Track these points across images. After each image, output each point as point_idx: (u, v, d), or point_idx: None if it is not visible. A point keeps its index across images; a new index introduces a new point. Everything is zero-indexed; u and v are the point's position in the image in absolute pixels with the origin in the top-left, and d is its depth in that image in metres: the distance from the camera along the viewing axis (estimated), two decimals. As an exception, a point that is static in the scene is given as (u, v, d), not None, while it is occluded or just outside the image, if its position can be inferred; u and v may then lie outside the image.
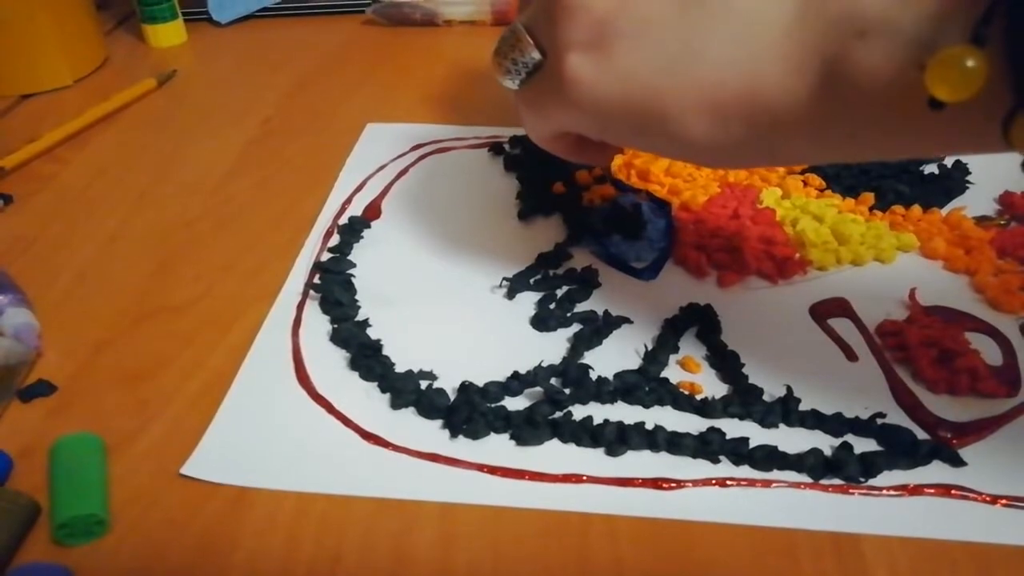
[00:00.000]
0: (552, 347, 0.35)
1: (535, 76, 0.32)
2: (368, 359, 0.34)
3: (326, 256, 0.41)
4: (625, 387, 0.33)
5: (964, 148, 0.27)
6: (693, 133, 0.28)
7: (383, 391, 0.33)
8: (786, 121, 0.26)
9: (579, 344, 0.35)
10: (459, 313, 0.37)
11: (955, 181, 0.44)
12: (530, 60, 0.32)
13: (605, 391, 0.33)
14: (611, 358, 0.35)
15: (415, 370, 0.34)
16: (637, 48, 0.28)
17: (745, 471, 0.30)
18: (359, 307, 0.38)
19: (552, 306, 0.37)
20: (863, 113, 0.25)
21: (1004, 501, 0.29)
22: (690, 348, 0.35)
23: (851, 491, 0.29)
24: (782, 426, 0.32)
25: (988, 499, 0.29)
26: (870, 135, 0.26)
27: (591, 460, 0.30)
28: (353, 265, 0.40)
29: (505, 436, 0.31)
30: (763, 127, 0.27)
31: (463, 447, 0.31)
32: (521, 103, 0.34)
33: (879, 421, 0.31)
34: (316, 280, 0.39)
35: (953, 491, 0.29)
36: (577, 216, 0.42)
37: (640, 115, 0.29)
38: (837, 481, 0.29)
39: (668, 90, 0.28)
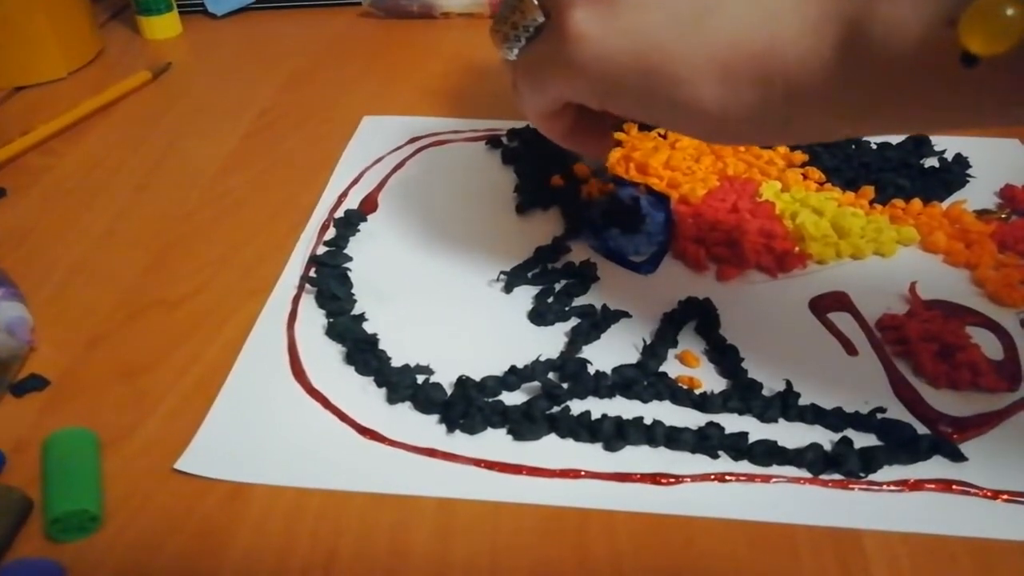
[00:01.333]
0: (550, 341, 0.35)
1: (536, 40, 0.31)
2: (364, 353, 0.34)
3: (322, 250, 0.40)
4: (623, 382, 0.32)
5: (986, 116, 0.25)
6: (702, 98, 0.27)
7: (379, 385, 0.33)
8: (802, 87, 0.25)
9: (577, 338, 0.35)
10: (456, 307, 0.37)
11: (955, 175, 0.44)
12: (532, 23, 0.30)
13: (603, 386, 0.32)
14: (609, 352, 0.34)
15: (412, 364, 0.34)
16: (647, 4, 0.27)
17: (744, 466, 0.30)
18: (355, 301, 0.37)
19: (550, 300, 0.37)
20: (885, 77, 0.24)
21: (1005, 496, 0.29)
22: (689, 342, 0.35)
23: (851, 486, 0.29)
24: (781, 421, 0.31)
25: (989, 494, 0.29)
26: (891, 102, 0.25)
27: (589, 455, 0.30)
28: (349, 259, 0.40)
29: (502, 431, 0.31)
30: (777, 93, 0.26)
31: (460, 442, 0.31)
32: (519, 72, 0.32)
33: (879, 416, 0.31)
34: (312, 274, 0.39)
35: (954, 486, 0.29)
36: (575, 209, 0.42)
37: (647, 76, 0.27)
38: (837, 476, 0.29)
39: (678, 50, 0.26)
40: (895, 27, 0.23)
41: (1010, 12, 0.20)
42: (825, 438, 0.31)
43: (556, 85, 0.31)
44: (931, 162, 0.46)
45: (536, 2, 0.30)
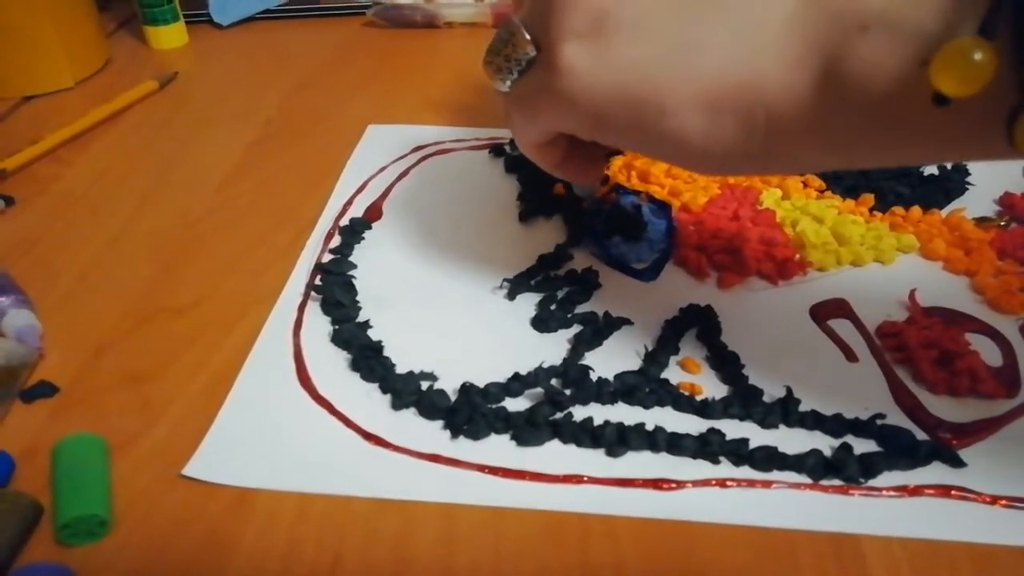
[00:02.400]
0: (553, 348, 0.35)
1: (528, 73, 0.31)
2: (369, 360, 0.34)
3: (327, 257, 0.41)
4: (625, 388, 0.33)
5: (964, 152, 0.26)
6: (687, 129, 0.28)
7: (384, 392, 0.33)
8: (784, 120, 0.26)
9: (579, 345, 0.35)
10: (460, 314, 0.37)
11: (955, 182, 0.44)
12: (524, 57, 0.31)
13: (605, 392, 0.33)
14: (611, 359, 0.35)
15: (416, 371, 0.34)
16: (636, 39, 0.28)
17: (745, 472, 0.30)
18: (360, 308, 0.38)
19: (553, 307, 0.37)
20: (863, 112, 0.25)
21: (1004, 502, 0.29)
22: (690, 349, 0.35)
23: (851, 492, 0.29)
24: (782, 427, 0.32)
25: (988, 500, 0.29)
26: (869, 137, 0.26)
27: (591, 461, 0.31)
28: (354, 266, 0.40)
29: (506, 437, 0.31)
30: (759, 126, 0.27)
31: (464, 448, 0.31)
32: (511, 104, 0.33)
33: (879, 422, 0.31)
34: (317, 281, 0.39)
35: (953, 492, 0.29)
36: (578, 217, 0.42)
37: (635, 108, 0.28)
38: (837, 482, 0.30)
39: (665, 82, 0.27)
40: (872, 66, 0.24)
41: (978, 57, 0.21)
42: (825, 444, 0.31)
43: (547, 117, 0.31)
44: (930, 170, 0.46)
45: (528, 37, 0.30)
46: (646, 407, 0.32)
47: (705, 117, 0.27)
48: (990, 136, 0.23)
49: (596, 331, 0.36)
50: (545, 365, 0.34)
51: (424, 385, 0.33)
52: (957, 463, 0.30)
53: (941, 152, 0.26)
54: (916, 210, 0.42)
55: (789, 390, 0.32)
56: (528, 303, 0.38)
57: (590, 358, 0.35)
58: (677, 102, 0.27)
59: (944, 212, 0.43)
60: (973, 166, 0.45)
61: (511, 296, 0.38)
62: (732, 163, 0.29)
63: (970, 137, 0.24)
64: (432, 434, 0.32)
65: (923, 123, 0.24)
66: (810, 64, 0.25)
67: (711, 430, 0.31)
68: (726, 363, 0.34)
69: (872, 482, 0.29)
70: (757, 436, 0.31)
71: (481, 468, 0.30)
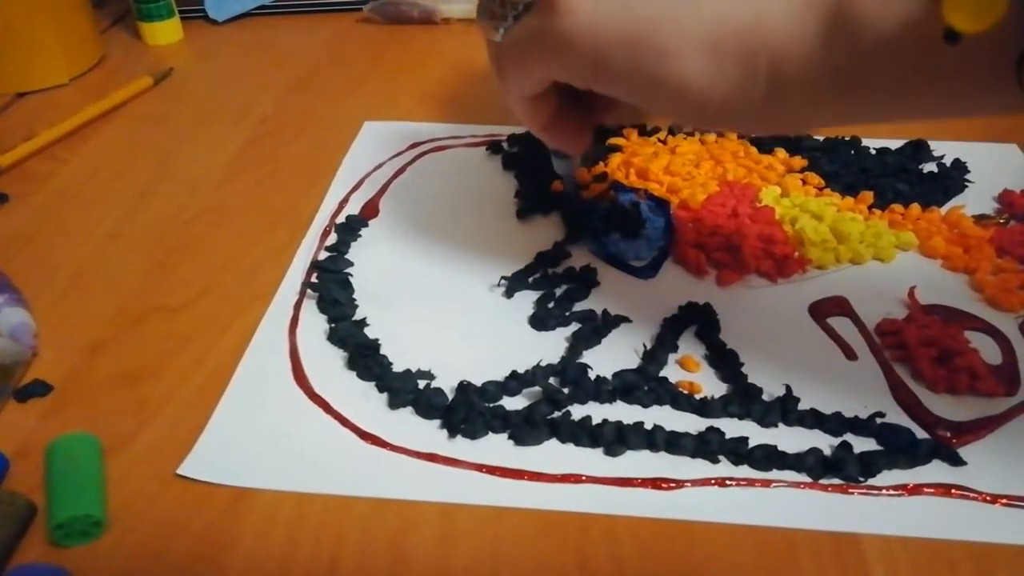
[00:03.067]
0: (551, 346, 0.35)
1: (524, 17, 0.31)
2: (366, 358, 0.34)
3: (323, 255, 0.41)
4: (624, 386, 0.33)
5: (970, 101, 0.25)
6: (688, 73, 0.27)
7: (381, 391, 0.33)
8: (785, 64, 0.26)
9: (578, 343, 0.35)
10: (457, 312, 0.37)
11: (954, 180, 0.44)
12: (522, 0, 0.30)
13: (604, 391, 0.32)
14: (610, 357, 0.34)
15: (413, 369, 0.34)
16: None
17: (744, 471, 0.30)
18: (356, 306, 0.38)
19: (551, 305, 0.37)
20: (869, 56, 0.24)
21: (1004, 500, 0.29)
22: (689, 347, 0.35)
23: (851, 490, 0.29)
24: (781, 425, 0.32)
25: (988, 498, 0.29)
26: (872, 84, 0.25)
27: (590, 460, 0.30)
28: (350, 264, 0.40)
29: (504, 436, 0.31)
30: (761, 71, 0.26)
31: (461, 447, 0.31)
32: (506, 51, 0.32)
33: (878, 420, 0.31)
34: (313, 279, 0.39)
35: (953, 490, 0.29)
36: (576, 215, 0.42)
37: (635, 49, 0.28)
38: (836, 480, 0.29)
39: (667, 23, 0.27)
40: (883, 5, 0.23)
41: None
42: (825, 443, 0.31)
43: (543, 61, 0.31)
44: (930, 167, 0.46)
45: None
46: (645, 406, 0.32)
47: (706, 61, 0.27)
48: (999, 80, 0.22)
49: (594, 329, 0.36)
50: (543, 363, 0.34)
51: (421, 384, 0.33)
52: (956, 461, 0.30)
53: (950, 101, 0.26)
54: (915, 207, 0.42)
55: (788, 388, 0.32)
56: (526, 301, 0.38)
57: (588, 356, 0.35)
58: (678, 44, 0.27)
59: (943, 209, 0.43)
60: (972, 164, 0.45)
61: (509, 294, 0.38)
62: (729, 113, 0.28)
63: (979, 82, 0.23)
64: (429, 433, 0.32)
65: (933, 66, 0.23)
66: (817, 6, 0.25)
67: (710, 429, 0.31)
68: (725, 361, 0.34)
69: (872, 481, 0.29)
70: (756, 435, 0.31)
71: (479, 467, 0.30)
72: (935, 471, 0.30)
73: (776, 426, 0.32)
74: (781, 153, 0.46)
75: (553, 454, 0.31)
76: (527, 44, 0.31)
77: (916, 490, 0.29)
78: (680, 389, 0.33)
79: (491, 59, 0.34)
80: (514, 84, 0.33)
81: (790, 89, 0.26)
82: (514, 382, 0.33)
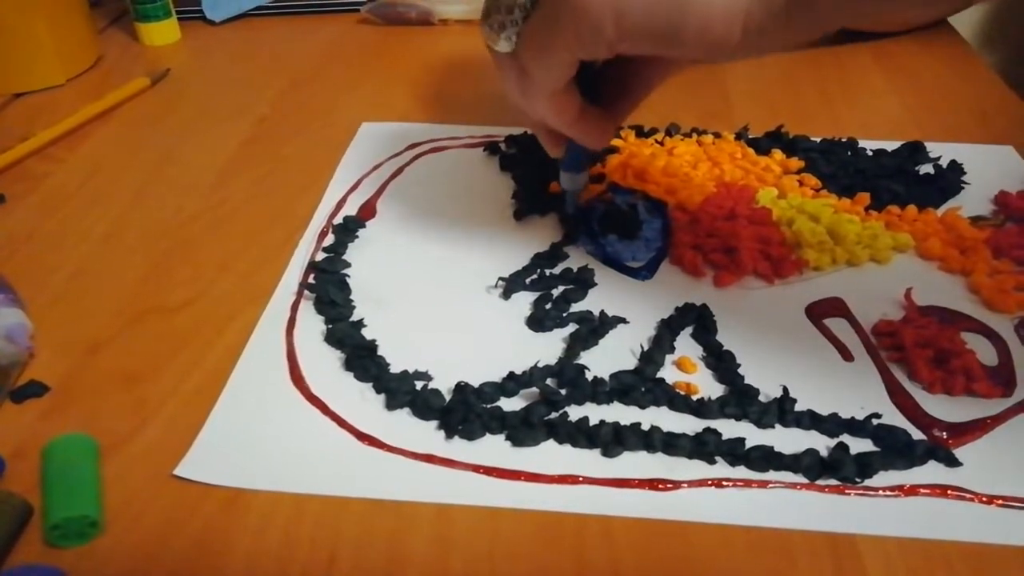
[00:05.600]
0: (548, 347, 0.35)
1: (532, 13, 0.31)
2: (363, 359, 0.34)
3: (321, 256, 0.41)
4: (621, 387, 0.33)
5: None
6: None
7: (378, 392, 0.33)
8: None
9: (575, 344, 0.35)
10: (455, 313, 0.37)
11: (950, 181, 0.44)
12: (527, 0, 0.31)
13: (601, 392, 0.32)
14: (607, 358, 0.34)
15: (410, 371, 0.34)
16: None
17: (741, 472, 0.30)
18: (354, 307, 0.37)
19: (548, 306, 0.37)
20: None
21: (1000, 501, 0.29)
22: (686, 348, 0.35)
23: (847, 491, 0.29)
24: (778, 426, 0.32)
25: (984, 499, 0.29)
26: None
27: (587, 461, 0.30)
28: (348, 265, 0.40)
29: (501, 437, 0.31)
30: None
31: (459, 448, 0.31)
32: (523, 50, 0.32)
33: (875, 421, 0.31)
34: (311, 280, 0.39)
35: (949, 491, 0.29)
36: (573, 216, 0.42)
37: None
38: (833, 481, 0.29)
39: None
40: None
41: None
42: (821, 444, 0.31)
43: (564, 40, 0.30)
44: (926, 169, 0.46)
45: None
46: (642, 407, 0.32)
47: None
48: None
49: (591, 330, 0.36)
50: (540, 364, 0.34)
51: (418, 385, 0.33)
52: (953, 462, 0.30)
53: None
54: (912, 209, 0.42)
55: (785, 389, 0.32)
56: (523, 302, 0.38)
57: (585, 357, 0.35)
58: None
59: (940, 211, 0.43)
60: (969, 165, 0.45)
61: (506, 295, 0.38)
62: (755, 32, 0.28)
63: None
64: (427, 434, 0.32)
65: None
66: None
67: (707, 430, 0.31)
68: (722, 362, 0.34)
69: (868, 482, 0.29)
70: (753, 436, 0.31)
71: (476, 468, 0.30)
72: (931, 472, 0.30)
73: (773, 427, 0.32)
74: (778, 154, 0.47)
75: (550, 455, 0.31)
76: (544, 31, 0.31)
77: (912, 491, 0.29)
78: (677, 390, 0.33)
79: (506, 74, 0.34)
80: (540, 81, 0.33)
81: None
82: (511, 383, 0.33)
